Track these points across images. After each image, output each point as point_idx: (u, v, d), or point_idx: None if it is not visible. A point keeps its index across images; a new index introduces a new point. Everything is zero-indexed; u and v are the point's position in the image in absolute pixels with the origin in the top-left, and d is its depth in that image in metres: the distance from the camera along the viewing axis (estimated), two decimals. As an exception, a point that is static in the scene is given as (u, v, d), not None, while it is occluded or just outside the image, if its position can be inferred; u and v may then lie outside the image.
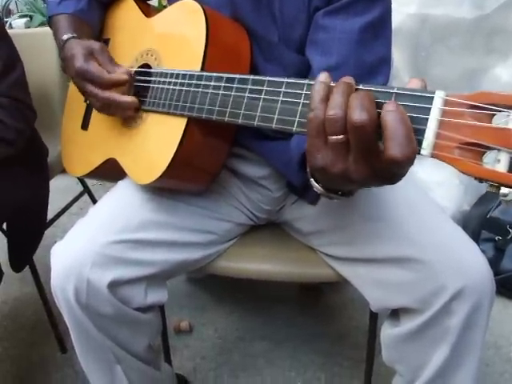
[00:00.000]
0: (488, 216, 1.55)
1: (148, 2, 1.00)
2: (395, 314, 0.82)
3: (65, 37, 0.85)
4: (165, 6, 0.88)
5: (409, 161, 0.43)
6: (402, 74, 1.76)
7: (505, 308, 1.48)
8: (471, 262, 0.73)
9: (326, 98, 0.47)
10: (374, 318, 1.00)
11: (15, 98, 1.05)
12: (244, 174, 0.90)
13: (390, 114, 0.43)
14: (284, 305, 1.52)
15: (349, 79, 0.48)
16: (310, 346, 1.36)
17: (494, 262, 1.51)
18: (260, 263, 0.94)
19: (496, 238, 1.53)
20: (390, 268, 0.77)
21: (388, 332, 0.83)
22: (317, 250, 0.92)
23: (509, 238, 1.52)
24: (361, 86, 0.49)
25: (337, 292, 1.57)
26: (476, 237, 1.55)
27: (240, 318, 1.48)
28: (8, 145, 1.03)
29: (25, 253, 1.15)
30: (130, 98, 0.79)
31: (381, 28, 0.73)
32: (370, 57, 0.72)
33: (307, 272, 0.93)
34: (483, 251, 1.57)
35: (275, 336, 1.40)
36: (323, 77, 0.49)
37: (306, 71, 0.77)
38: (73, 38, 0.85)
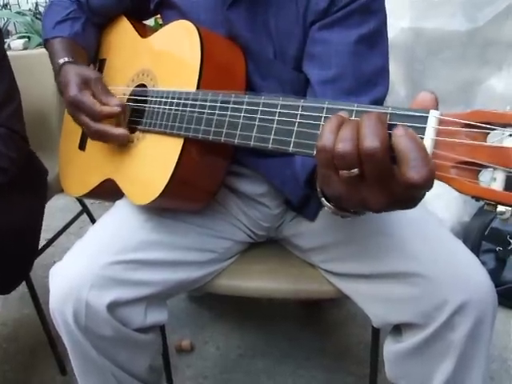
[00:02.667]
0: (488, 227, 1.55)
1: (144, 21, 1.02)
2: (397, 329, 0.81)
3: (61, 61, 0.86)
4: (161, 25, 0.89)
5: (427, 182, 0.40)
6: (398, 87, 1.78)
7: (508, 319, 1.46)
8: (472, 275, 0.73)
9: (337, 130, 0.45)
10: (376, 333, 0.99)
11: (11, 128, 1.07)
12: (242, 191, 0.90)
13: (402, 139, 0.41)
14: (285, 321, 1.51)
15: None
16: (312, 363, 1.35)
17: (496, 273, 1.50)
18: (260, 281, 0.93)
19: (497, 249, 1.53)
20: (390, 283, 0.77)
21: (391, 348, 0.82)
22: (316, 266, 0.91)
23: (510, 248, 1.51)
24: (355, 107, 0.48)
25: (338, 307, 1.55)
26: (477, 248, 1.55)
27: (241, 336, 1.46)
28: (1, 172, 1.04)
29: (13, 275, 1.14)
30: (120, 131, 0.79)
31: (377, 39, 0.74)
32: (367, 67, 0.72)
33: (307, 289, 0.92)
34: (484, 262, 1.57)
35: (277, 353, 1.39)
36: (342, 112, 0.47)
37: (302, 88, 0.78)
38: (69, 62, 0.85)
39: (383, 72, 0.74)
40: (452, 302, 0.70)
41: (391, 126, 0.43)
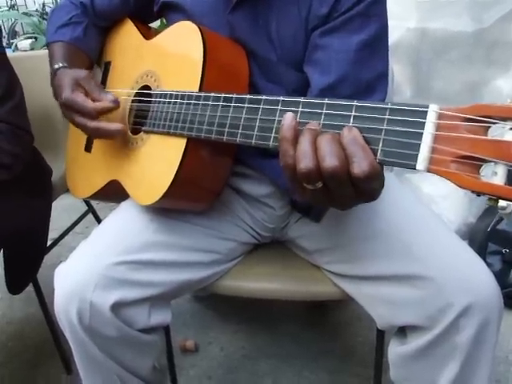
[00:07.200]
0: (494, 228, 1.54)
1: (149, 23, 1.02)
2: (402, 331, 0.81)
3: (56, 66, 0.87)
4: (166, 25, 0.89)
5: (370, 174, 0.45)
6: (404, 88, 1.77)
7: (514, 321, 1.45)
8: (477, 278, 0.72)
9: (295, 142, 0.49)
10: (381, 334, 0.99)
11: (13, 123, 1.06)
12: (247, 192, 0.90)
13: (345, 139, 0.47)
14: (290, 322, 1.51)
15: (313, 125, 0.50)
16: (316, 364, 1.35)
17: (502, 275, 1.49)
18: (264, 282, 0.93)
19: (503, 251, 1.52)
20: (395, 285, 0.76)
21: (395, 350, 0.82)
22: (321, 267, 0.91)
23: (516, 250, 1.50)
24: (355, 103, 0.49)
25: (343, 309, 1.55)
26: (483, 250, 1.54)
27: (246, 336, 1.46)
28: (4, 169, 1.04)
29: (23, 276, 1.14)
30: (115, 126, 0.78)
31: (377, 45, 0.74)
32: (367, 74, 0.72)
33: (312, 290, 0.92)
34: (490, 264, 1.56)
35: (282, 354, 1.39)
36: (289, 119, 0.50)
37: (305, 88, 0.78)
38: (63, 67, 0.86)
39: (382, 78, 0.74)
40: (457, 305, 0.70)
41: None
